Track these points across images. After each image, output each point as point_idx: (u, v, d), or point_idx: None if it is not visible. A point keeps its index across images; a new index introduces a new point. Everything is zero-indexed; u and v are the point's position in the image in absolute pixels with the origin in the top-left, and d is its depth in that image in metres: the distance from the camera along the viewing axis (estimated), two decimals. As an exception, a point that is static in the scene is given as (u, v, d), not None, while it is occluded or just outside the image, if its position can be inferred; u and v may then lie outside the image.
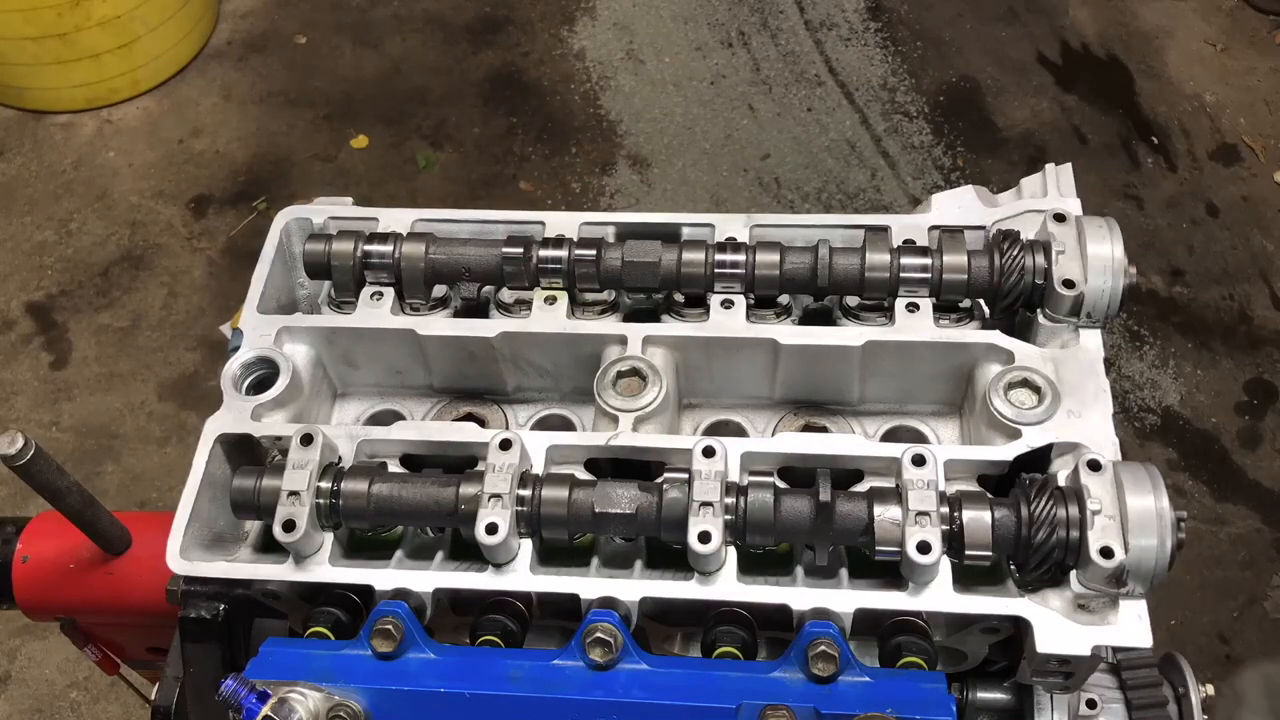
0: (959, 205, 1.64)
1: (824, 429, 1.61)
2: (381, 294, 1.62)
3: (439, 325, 1.60)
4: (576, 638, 1.32)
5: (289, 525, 1.37)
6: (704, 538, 1.31)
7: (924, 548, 1.29)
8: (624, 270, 1.57)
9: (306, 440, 1.41)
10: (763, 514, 1.35)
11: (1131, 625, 1.29)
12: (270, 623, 1.56)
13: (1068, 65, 5.37)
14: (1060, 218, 1.53)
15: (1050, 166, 1.66)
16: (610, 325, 1.60)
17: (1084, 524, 1.29)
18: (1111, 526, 1.28)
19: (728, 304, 1.57)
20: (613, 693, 1.30)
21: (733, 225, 1.63)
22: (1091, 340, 1.51)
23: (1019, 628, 1.34)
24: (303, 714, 1.27)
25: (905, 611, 1.35)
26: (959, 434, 1.60)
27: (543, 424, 1.66)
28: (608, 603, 1.36)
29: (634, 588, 1.36)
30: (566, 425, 1.65)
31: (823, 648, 1.28)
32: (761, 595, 1.35)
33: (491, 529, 1.34)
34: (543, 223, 1.66)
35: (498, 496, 1.36)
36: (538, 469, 1.43)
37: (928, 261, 1.53)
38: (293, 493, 1.38)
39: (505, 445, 1.40)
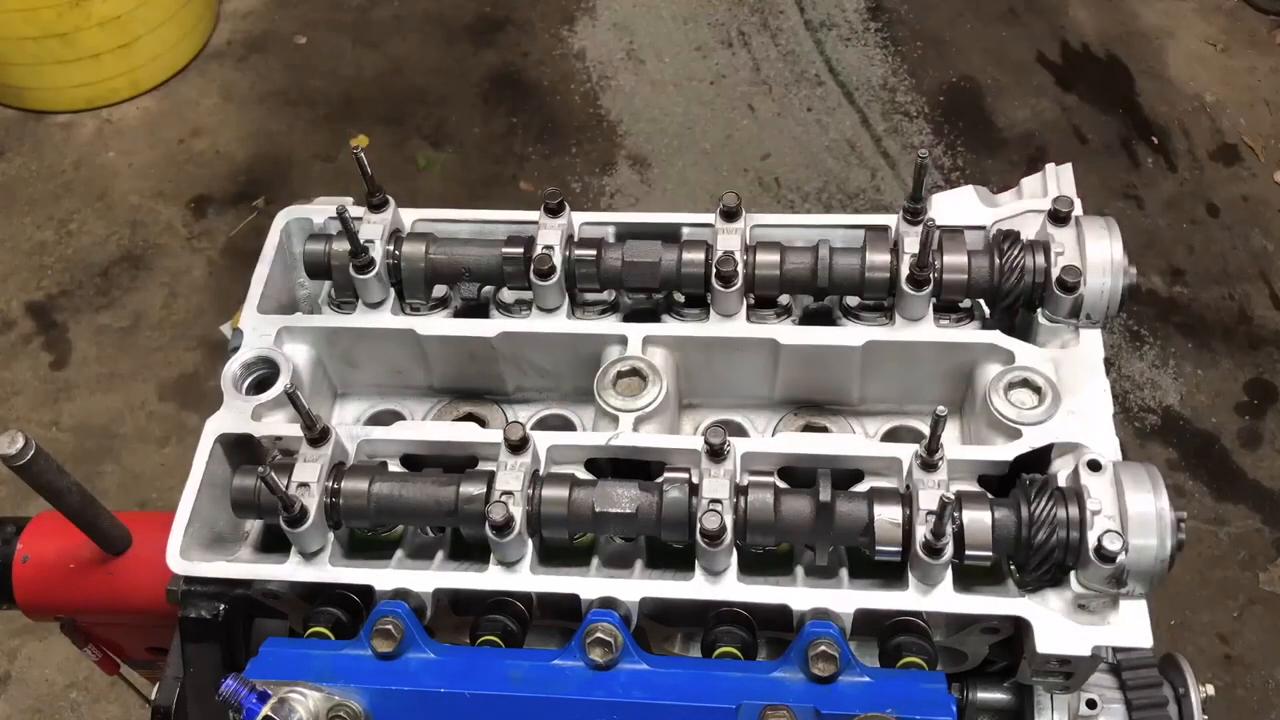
0: (959, 205, 1.64)
1: (824, 429, 1.61)
2: (381, 294, 1.62)
3: (439, 325, 1.60)
4: (577, 638, 1.32)
5: (300, 513, 1.36)
6: (714, 531, 1.31)
7: (926, 548, 1.29)
8: (624, 270, 1.57)
9: (320, 439, 1.41)
10: (763, 514, 1.35)
11: (1131, 625, 1.29)
12: (270, 623, 1.56)
13: (1068, 65, 5.37)
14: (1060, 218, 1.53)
15: (1050, 166, 1.65)
16: (610, 325, 1.60)
17: (1084, 524, 1.29)
18: (1111, 527, 1.28)
19: (728, 304, 1.56)
20: (613, 693, 1.30)
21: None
22: (1091, 340, 1.51)
23: (1019, 628, 1.34)
24: (303, 714, 1.27)
25: (905, 611, 1.35)
26: (959, 434, 1.60)
27: (543, 424, 1.66)
28: (608, 603, 1.36)
29: (634, 588, 1.36)
30: (566, 425, 1.65)
31: (823, 648, 1.28)
32: (762, 595, 1.35)
33: (503, 527, 1.33)
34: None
35: (510, 494, 1.35)
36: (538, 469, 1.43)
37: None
38: (302, 484, 1.38)
39: (522, 445, 1.39)
